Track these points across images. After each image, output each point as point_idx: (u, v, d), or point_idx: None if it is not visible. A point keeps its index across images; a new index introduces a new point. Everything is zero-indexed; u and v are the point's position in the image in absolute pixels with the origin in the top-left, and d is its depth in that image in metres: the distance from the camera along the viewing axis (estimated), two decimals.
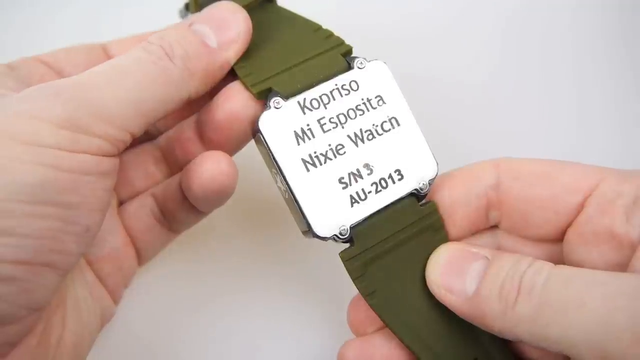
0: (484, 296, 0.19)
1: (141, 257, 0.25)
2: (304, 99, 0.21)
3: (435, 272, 0.21)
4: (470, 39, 0.33)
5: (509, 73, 0.33)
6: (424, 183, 0.22)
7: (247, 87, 0.22)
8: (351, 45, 0.23)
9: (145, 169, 0.25)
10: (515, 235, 0.23)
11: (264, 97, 0.22)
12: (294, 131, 0.21)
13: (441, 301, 0.20)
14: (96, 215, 0.19)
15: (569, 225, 0.21)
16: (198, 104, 0.23)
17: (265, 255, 0.28)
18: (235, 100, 0.22)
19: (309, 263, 0.28)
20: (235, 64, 0.22)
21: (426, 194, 0.22)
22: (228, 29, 0.22)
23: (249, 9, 0.22)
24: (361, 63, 0.22)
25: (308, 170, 0.21)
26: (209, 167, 0.21)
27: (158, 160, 0.25)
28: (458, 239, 0.23)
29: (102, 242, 0.23)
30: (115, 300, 0.24)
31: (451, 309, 0.20)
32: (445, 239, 0.22)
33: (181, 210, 0.24)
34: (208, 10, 0.22)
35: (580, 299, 0.17)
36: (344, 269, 0.21)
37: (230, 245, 0.28)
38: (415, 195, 0.22)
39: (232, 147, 0.23)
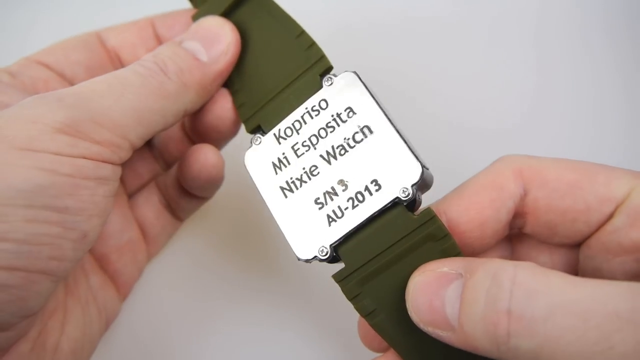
0: (468, 331, 0.16)
1: (150, 247, 0.26)
2: (279, 129, 0.22)
3: (413, 308, 0.18)
4: (471, 37, 0.31)
5: (512, 72, 0.31)
6: (407, 189, 0.20)
7: (240, 119, 0.24)
8: (330, 63, 0.22)
9: (148, 161, 0.27)
10: (534, 240, 0.20)
11: (254, 131, 0.23)
12: (272, 162, 0.22)
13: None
14: (94, 221, 0.19)
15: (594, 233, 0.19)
16: None
17: (269, 264, 0.28)
18: (221, 104, 0.24)
19: (313, 276, 0.28)
20: (230, 81, 0.24)
21: (414, 200, 0.20)
22: (218, 43, 0.23)
23: (235, 4, 0.24)
24: (328, 80, 0.22)
25: (286, 196, 0.21)
26: (198, 159, 0.24)
27: (157, 154, 0.27)
28: (483, 253, 0.20)
29: (120, 234, 0.24)
30: (125, 294, 0.25)
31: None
32: (453, 247, 0.19)
33: (181, 197, 0.26)
34: (195, 27, 0.23)
35: (582, 329, 0.14)
36: None
37: (233, 254, 0.29)
38: (406, 205, 0.20)
39: (218, 144, 0.25)
